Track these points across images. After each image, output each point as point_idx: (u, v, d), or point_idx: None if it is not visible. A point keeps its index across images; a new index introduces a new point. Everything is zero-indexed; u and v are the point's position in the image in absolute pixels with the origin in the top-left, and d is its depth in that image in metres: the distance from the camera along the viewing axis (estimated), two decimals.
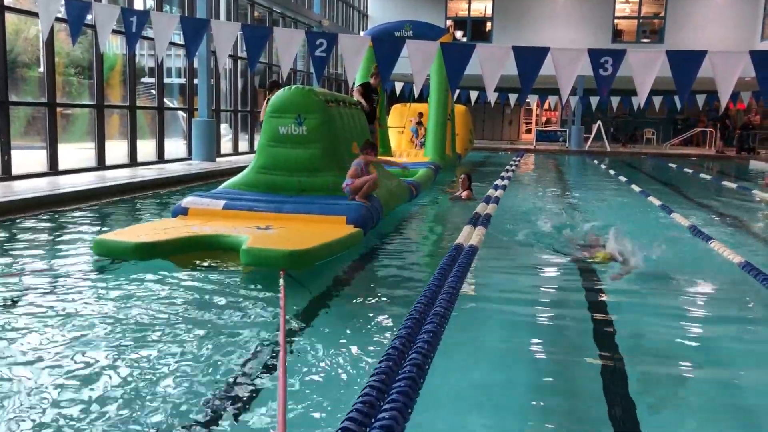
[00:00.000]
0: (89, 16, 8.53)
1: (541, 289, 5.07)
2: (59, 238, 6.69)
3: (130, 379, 3.15)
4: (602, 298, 4.79)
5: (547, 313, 4.39)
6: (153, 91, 14.04)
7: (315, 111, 7.03)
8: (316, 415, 2.88)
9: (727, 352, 3.82)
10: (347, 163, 7.37)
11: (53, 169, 10.64)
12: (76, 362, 3.32)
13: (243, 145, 17.91)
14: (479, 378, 3.33)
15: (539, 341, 3.85)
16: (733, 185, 13.38)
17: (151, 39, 9.55)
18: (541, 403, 3.08)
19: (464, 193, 9.37)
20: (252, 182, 7.10)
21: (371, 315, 4.28)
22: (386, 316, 4.27)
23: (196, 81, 15.07)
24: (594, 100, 24.33)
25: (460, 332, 3.84)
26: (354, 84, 11.22)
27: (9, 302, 4.29)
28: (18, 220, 7.21)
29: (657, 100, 22.62)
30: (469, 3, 28.78)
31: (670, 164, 19.86)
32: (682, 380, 3.41)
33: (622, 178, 14.11)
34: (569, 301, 4.72)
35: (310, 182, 6.96)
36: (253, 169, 7.17)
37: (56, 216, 7.65)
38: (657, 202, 9.79)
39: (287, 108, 7.05)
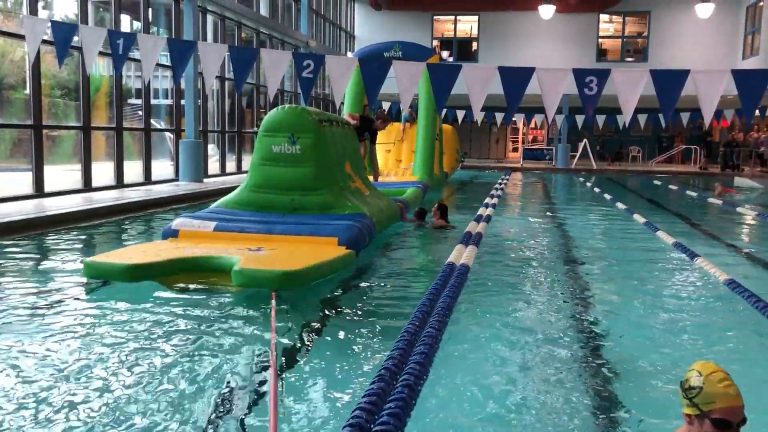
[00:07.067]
0: (76, 38, 8.52)
1: (532, 307, 5.07)
2: (47, 261, 6.64)
3: (119, 401, 3.12)
4: (592, 318, 4.81)
5: (538, 331, 4.38)
6: (140, 113, 14.02)
7: (308, 130, 7.04)
8: None
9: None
10: (340, 181, 7.37)
11: (39, 192, 10.56)
12: (65, 384, 3.28)
13: (230, 166, 17.88)
14: (471, 398, 3.31)
15: (531, 358, 3.84)
16: (719, 202, 13.53)
17: (138, 61, 9.55)
18: (535, 423, 3.07)
19: (437, 222, 8.76)
20: (245, 201, 7.09)
21: (363, 336, 4.26)
22: (378, 336, 4.25)
23: (183, 102, 15.08)
24: (580, 119, 24.55)
25: (452, 352, 3.83)
26: (342, 104, 11.27)
27: None
28: (4, 243, 7.13)
29: (642, 118, 22.86)
30: (455, 23, 29.07)
31: (655, 181, 20.06)
32: (671, 397, 3.41)
33: (608, 196, 14.21)
34: (559, 319, 4.71)
35: (303, 201, 6.96)
36: (245, 188, 7.16)
37: (43, 238, 7.59)
38: (641, 220, 9.90)
39: (280, 127, 7.05)
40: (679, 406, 2.26)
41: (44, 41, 8.88)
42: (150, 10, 14.04)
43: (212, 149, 17.22)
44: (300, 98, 19.76)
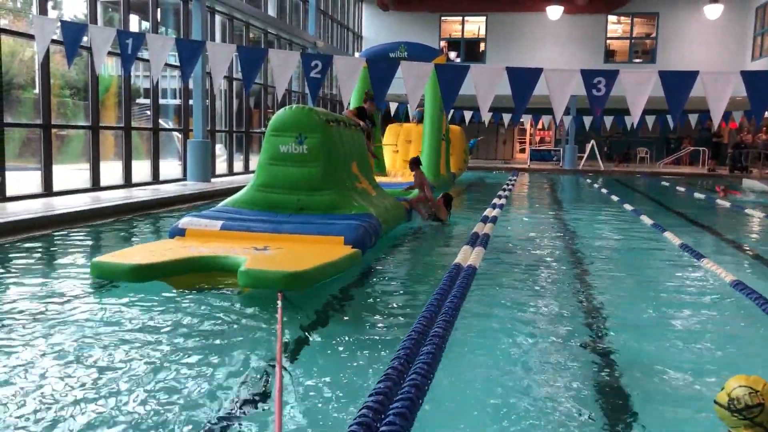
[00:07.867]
0: (85, 38, 8.57)
1: (539, 307, 5.07)
2: (55, 260, 6.67)
3: (125, 400, 3.13)
4: (600, 319, 4.80)
5: (546, 332, 4.38)
6: (148, 112, 14.08)
7: (316, 130, 7.05)
8: None
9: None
10: (346, 182, 7.38)
11: (48, 191, 10.62)
12: (71, 384, 3.30)
13: (238, 166, 17.93)
14: (477, 401, 3.32)
15: (538, 359, 3.84)
16: (727, 204, 13.47)
17: (147, 60, 9.59)
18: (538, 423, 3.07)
19: (439, 204, 9.24)
20: (251, 200, 7.11)
21: (369, 335, 4.27)
22: (384, 336, 4.25)
23: (191, 102, 15.12)
24: (587, 120, 24.49)
25: (459, 354, 3.84)
26: (348, 105, 11.34)
27: (4, 325, 4.26)
28: (12, 242, 7.18)
29: (650, 120, 22.79)
30: (463, 24, 29.05)
31: (663, 183, 20.00)
32: (675, 399, 3.41)
33: (615, 197, 14.17)
34: (566, 320, 4.71)
35: (310, 200, 6.97)
36: (252, 187, 7.18)
37: (51, 238, 7.63)
38: (648, 221, 9.88)
39: (288, 127, 7.07)
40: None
41: (53, 41, 8.93)
42: (159, 10, 14.09)
43: (220, 149, 17.27)
44: (308, 98, 19.80)
